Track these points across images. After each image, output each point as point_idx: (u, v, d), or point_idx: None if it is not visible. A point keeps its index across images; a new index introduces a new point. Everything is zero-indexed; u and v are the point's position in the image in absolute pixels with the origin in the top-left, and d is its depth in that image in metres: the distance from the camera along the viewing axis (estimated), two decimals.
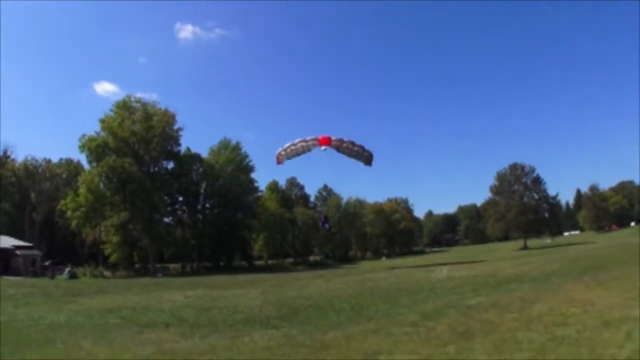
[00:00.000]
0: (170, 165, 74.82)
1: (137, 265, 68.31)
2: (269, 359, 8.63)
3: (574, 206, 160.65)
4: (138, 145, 66.72)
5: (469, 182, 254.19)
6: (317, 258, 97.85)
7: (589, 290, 14.32)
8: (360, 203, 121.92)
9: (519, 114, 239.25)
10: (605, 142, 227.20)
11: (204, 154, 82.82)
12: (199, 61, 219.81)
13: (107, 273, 57.44)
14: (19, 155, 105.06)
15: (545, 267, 27.00)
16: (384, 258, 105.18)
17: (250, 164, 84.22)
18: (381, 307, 15.33)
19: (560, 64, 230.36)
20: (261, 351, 9.37)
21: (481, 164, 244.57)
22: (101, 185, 64.51)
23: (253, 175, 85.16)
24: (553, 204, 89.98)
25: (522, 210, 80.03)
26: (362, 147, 37.54)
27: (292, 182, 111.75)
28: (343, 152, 36.85)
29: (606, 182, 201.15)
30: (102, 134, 65.97)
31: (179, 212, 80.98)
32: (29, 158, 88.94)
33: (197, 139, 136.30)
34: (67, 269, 50.59)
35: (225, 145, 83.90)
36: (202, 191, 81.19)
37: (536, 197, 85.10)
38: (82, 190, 63.11)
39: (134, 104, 68.68)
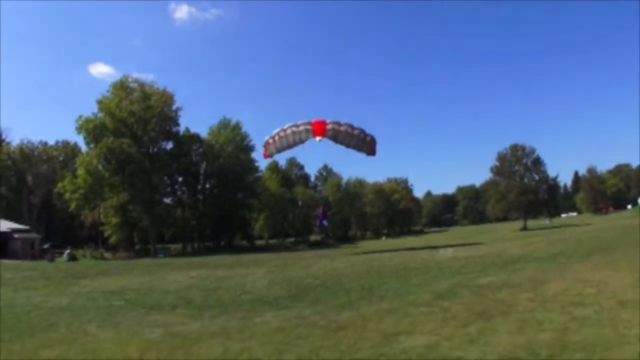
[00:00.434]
0: (170, 145, 74.00)
1: (137, 246, 68.24)
2: (283, 341, 8.30)
3: (571, 188, 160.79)
4: (136, 125, 65.95)
5: (468, 162, 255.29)
6: (318, 238, 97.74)
7: (598, 271, 14.13)
8: (360, 183, 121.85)
9: (517, 96, 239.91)
10: (602, 125, 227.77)
11: (203, 134, 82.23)
12: (194, 41, 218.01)
13: (107, 255, 57.16)
14: (15, 138, 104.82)
15: (550, 247, 26.88)
16: (383, 238, 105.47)
17: (251, 143, 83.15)
18: (391, 286, 15.10)
19: (559, 45, 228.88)
20: (274, 333, 9.07)
21: (480, 145, 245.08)
22: (99, 167, 63.79)
23: (253, 155, 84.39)
24: (553, 185, 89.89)
25: (523, 191, 79.84)
26: (362, 131, 34.27)
27: (292, 162, 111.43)
28: (341, 143, 33.79)
29: (603, 165, 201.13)
30: (100, 115, 65.10)
31: (179, 193, 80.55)
32: (25, 141, 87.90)
33: (194, 120, 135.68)
34: (67, 251, 50.10)
35: (225, 124, 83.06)
36: (202, 171, 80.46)
37: (536, 178, 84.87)
38: (81, 172, 62.56)
39: (131, 84, 67.77)
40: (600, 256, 18.35)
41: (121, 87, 66.20)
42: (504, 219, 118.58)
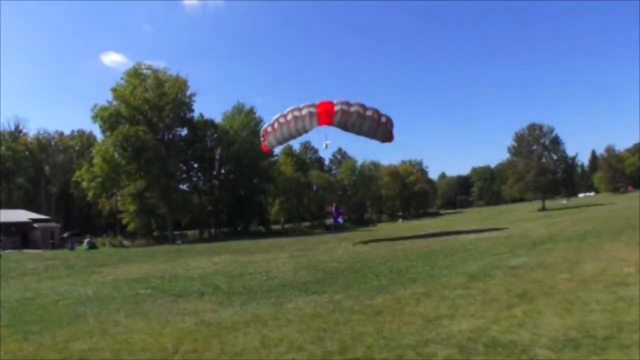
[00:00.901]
0: (184, 132, 73.80)
1: (155, 233, 68.56)
2: (322, 327, 8.01)
3: (588, 167, 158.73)
4: (151, 112, 65.79)
5: (482, 143, 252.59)
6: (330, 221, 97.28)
7: (632, 250, 13.71)
8: (375, 165, 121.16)
9: (532, 75, 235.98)
10: (619, 104, 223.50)
11: (217, 120, 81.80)
12: (205, 27, 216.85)
13: (126, 242, 57.60)
14: (31, 129, 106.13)
15: (577, 227, 26.50)
16: (400, 220, 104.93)
17: None
18: (421, 268, 14.81)
19: (576, 24, 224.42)
20: (310, 319, 8.79)
21: (494, 126, 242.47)
22: (116, 155, 63.89)
23: None
24: (571, 164, 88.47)
25: (541, 171, 78.59)
26: (376, 111, 28.91)
27: (307, 146, 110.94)
28: (352, 128, 28.58)
29: (621, 144, 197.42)
30: (114, 103, 65.05)
31: (195, 179, 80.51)
32: (41, 132, 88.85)
33: (207, 106, 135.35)
34: (87, 240, 50.56)
35: (239, 110, 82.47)
36: (217, 157, 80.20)
37: (555, 157, 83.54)
38: (97, 160, 62.75)
39: (145, 71, 67.26)
40: (630, 235, 17.84)
41: (135, 74, 65.92)
42: (520, 199, 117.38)
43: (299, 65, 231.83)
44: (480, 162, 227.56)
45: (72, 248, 47.13)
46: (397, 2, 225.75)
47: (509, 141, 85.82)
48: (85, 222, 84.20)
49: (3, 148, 79.12)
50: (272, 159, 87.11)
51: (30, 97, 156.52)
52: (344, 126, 28.26)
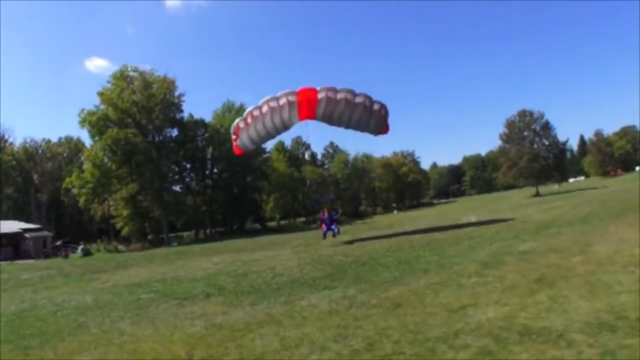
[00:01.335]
0: (175, 133, 73.15)
1: (150, 237, 67.92)
2: (342, 324, 7.66)
3: (577, 152, 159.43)
4: (140, 115, 64.97)
5: (473, 132, 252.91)
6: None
7: (636, 231, 13.42)
8: (367, 158, 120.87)
9: (518, 61, 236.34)
10: (604, 88, 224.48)
11: (207, 119, 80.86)
12: (188, 27, 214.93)
13: (121, 247, 57.01)
14: (17, 138, 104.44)
15: (577, 211, 26.55)
16: (395, 212, 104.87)
17: None
18: (429, 258, 14.53)
19: (562, 8, 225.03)
20: (327, 316, 8.45)
21: (483, 114, 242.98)
22: (106, 160, 63.12)
23: None
24: (563, 149, 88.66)
25: (534, 157, 78.65)
26: (368, 98, 24.22)
27: (298, 142, 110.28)
28: (340, 120, 24.31)
29: (608, 128, 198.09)
30: (102, 107, 64.15)
31: (187, 180, 79.92)
32: (28, 140, 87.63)
33: (196, 106, 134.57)
34: (81, 247, 49.78)
35: (229, 108, 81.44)
36: (208, 157, 79.48)
37: (546, 143, 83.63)
38: (87, 166, 62.12)
39: (131, 74, 66.48)
40: (632, 217, 17.66)
41: (121, 77, 65.12)
42: (512, 186, 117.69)
43: (285, 61, 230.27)
44: (471, 151, 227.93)
45: (66, 256, 46.45)
46: None
47: (500, 128, 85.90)
48: (77, 229, 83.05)
49: None
50: (265, 156, 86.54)
51: (15, 105, 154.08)
52: (330, 118, 24.05)
